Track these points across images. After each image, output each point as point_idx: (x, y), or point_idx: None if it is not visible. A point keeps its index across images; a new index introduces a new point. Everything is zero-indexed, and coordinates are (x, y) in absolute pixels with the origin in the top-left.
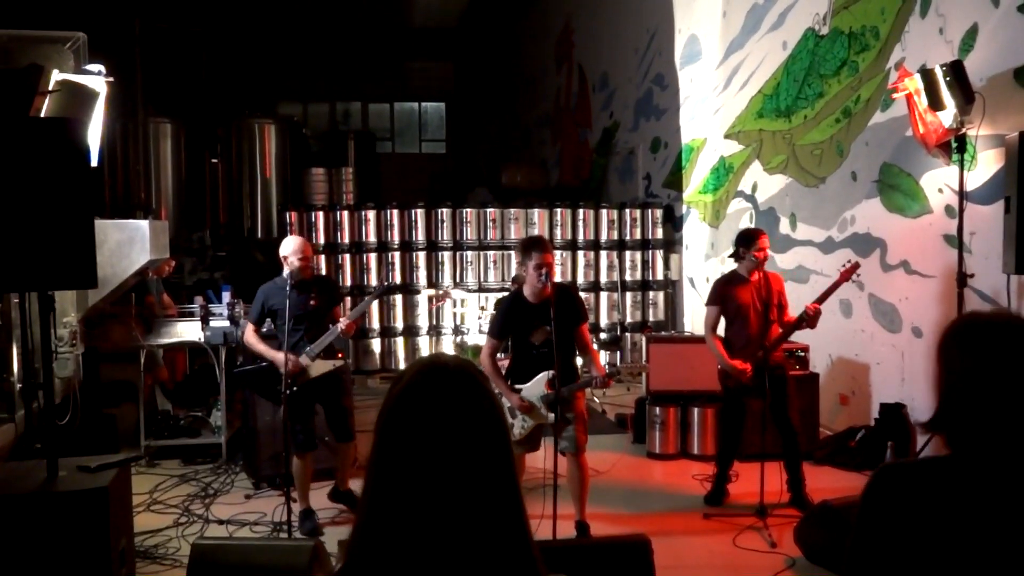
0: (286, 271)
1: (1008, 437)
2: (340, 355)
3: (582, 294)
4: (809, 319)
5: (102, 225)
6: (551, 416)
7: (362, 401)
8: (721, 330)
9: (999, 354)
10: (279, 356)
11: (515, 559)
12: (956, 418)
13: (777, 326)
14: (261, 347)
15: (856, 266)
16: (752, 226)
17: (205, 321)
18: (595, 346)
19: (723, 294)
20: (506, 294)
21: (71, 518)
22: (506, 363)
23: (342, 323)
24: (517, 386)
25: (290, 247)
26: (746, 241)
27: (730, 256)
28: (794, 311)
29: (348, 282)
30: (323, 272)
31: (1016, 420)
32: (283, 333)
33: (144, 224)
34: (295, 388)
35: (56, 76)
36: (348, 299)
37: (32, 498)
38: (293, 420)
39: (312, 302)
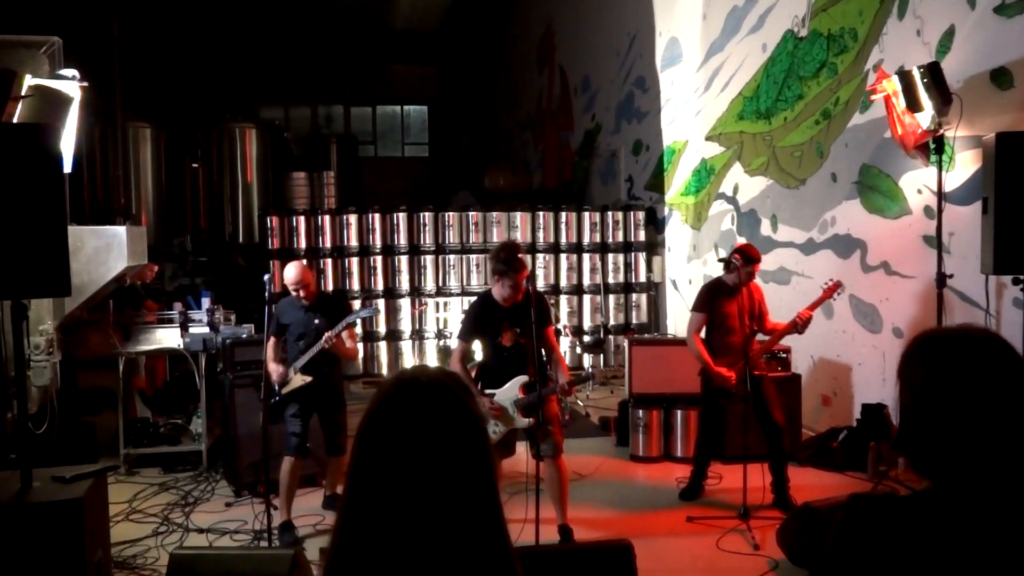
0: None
1: (967, 455)
2: (312, 379)
3: (565, 297)
4: (801, 325)
5: (79, 232)
6: (524, 421)
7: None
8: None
9: (956, 369)
10: (270, 366)
11: (494, 570)
12: (918, 437)
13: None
14: (268, 356)
15: (838, 285)
16: (733, 227)
17: (184, 328)
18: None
19: (711, 302)
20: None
21: (45, 529)
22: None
23: (324, 339)
24: (489, 391)
25: (287, 278)
26: (747, 259)
27: (720, 261)
28: (777, 315)
29: (330, 287)
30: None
31: (974, 437)
32: (291, 347)
33: (121, 230)
34: (278, 398)
35: (29, 81)
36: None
37: (4, 510)
38: (290, 425)
39: (316, 321)
